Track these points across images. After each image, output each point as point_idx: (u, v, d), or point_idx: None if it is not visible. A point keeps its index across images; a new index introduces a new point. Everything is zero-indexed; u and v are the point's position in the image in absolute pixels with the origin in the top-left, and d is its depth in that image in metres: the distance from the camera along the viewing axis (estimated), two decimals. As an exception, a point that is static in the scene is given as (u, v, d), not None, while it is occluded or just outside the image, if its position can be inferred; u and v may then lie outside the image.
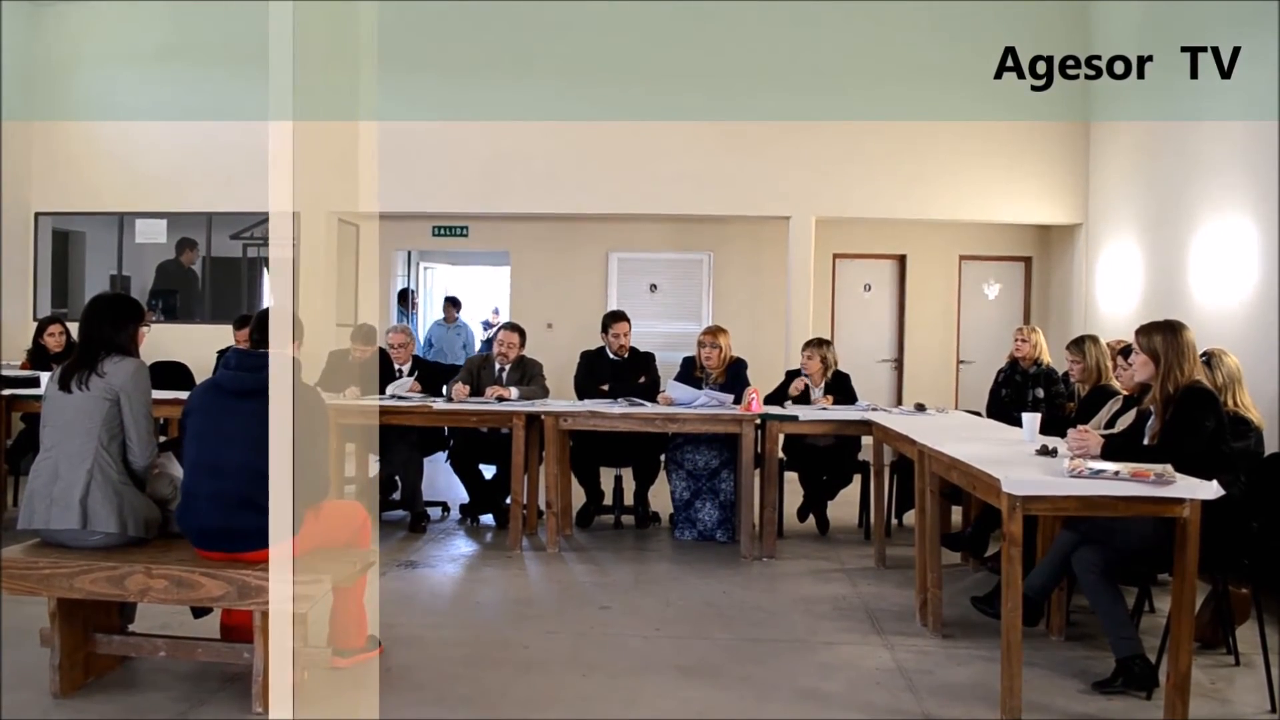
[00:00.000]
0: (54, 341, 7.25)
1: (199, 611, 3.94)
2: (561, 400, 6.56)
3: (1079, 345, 5.71)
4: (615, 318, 6.82)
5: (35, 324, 8.31)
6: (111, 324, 3.72)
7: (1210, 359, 4.36)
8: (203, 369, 7.53)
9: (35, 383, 6.44)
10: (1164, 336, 3.85)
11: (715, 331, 6.59)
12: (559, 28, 9.22)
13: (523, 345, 6.70)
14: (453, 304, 11.63)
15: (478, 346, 11.84)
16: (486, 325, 13.35)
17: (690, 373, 6.56)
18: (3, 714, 3.40)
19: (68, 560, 3.48)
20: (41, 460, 3.62)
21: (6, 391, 6.35)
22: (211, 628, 3.89)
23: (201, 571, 3.43)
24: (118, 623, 3.82)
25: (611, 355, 6.75)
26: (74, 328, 4.21)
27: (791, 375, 6.74)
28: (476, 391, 6.44)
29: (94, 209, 9.63)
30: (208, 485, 3.52)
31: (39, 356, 7.24)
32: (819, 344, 6.70)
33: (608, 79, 9.13)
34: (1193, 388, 3.77)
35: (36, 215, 9.75)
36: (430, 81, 9.25)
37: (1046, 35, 8.91)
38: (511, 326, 6.84)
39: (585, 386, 6.69)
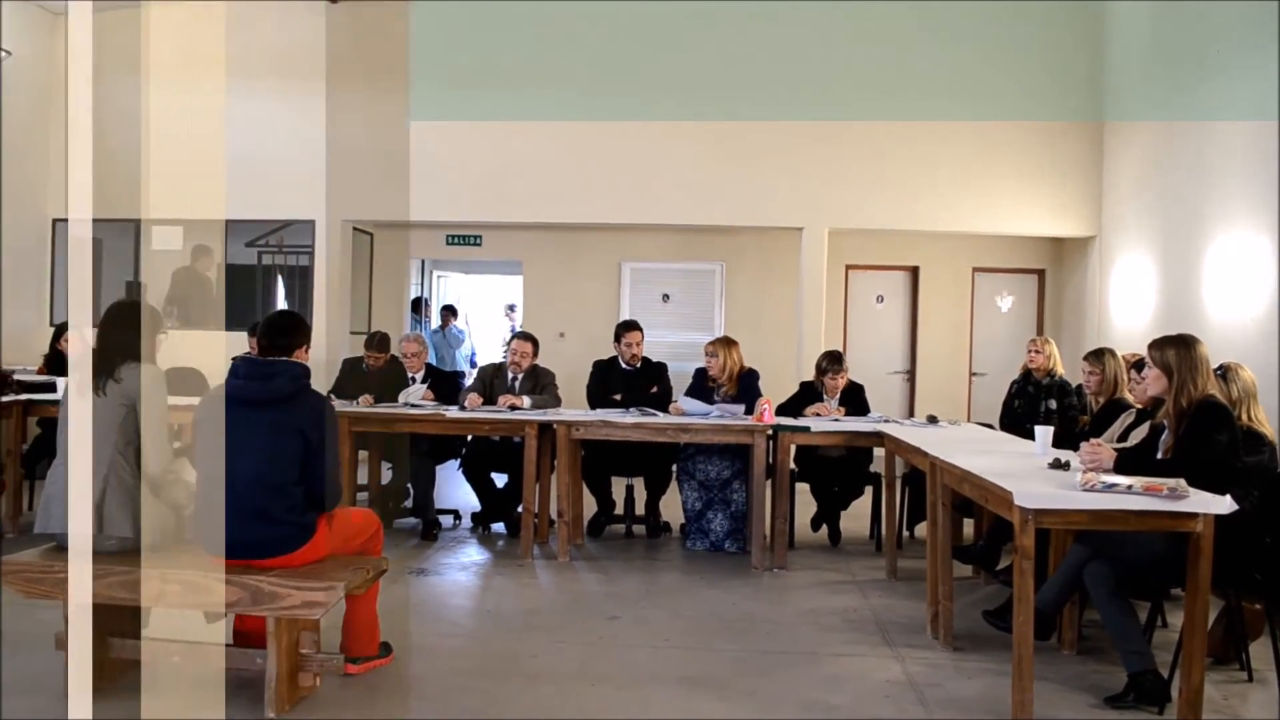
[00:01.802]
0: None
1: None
2: (573, 409, 6.57)
3: (1098, 356, 5.69)
4: (627, 327, 6.84)
5: (52, 330, 8.39)
6: (128, 331, 3.75)
7: (1226, 373, 4.34)
8: (218, 375, 7.58)
9: (52, 388, 6.51)
10: (1177, 350, 3.84)
11: (717, 342, 6.58)
12: (571, 38, 9.28)
13: (535, 354, 6.72)
14: (450, 311, 12.01)
15: (469, 350, 12.16)
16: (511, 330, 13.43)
17: (703, 383, 6.56)
18: (19, 718, 3.42)
19: (83, 565, 3.50)
20: (59, 465, 3.65)
21: (24, 396, 6.42)
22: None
23: (215, 577, 3.46)
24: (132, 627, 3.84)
25: (624, 365, 6.77)
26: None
27: (805, 386, 6.73)
28: (489, 400, 6.47)
29: (111, 216, 9.72)
30: (220, 496, 3.52)
31: (56, 362, 7.31)
32: (838, 359, 6.65)
33: (619, 88, 9.19)
34: (1206, 402, 3.75)
35: (54, 221, 9.84)
36: (446, 92, 9.31)
37: (1059, 38, 8.95)
38: (524, 336, 6.85)
39: (597, 396, 6.70)
